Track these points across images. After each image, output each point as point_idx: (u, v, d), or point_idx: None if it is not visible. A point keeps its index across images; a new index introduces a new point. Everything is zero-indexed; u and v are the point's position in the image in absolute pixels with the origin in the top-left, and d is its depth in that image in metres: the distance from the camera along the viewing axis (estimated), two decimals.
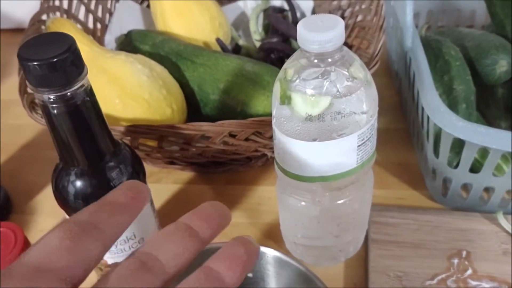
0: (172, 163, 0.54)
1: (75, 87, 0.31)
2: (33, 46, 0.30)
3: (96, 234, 0.20)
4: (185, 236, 0.21)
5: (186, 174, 0.56)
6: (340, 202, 0.40)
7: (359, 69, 0.35)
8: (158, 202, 0.52)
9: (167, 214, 0.51)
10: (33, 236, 0.50)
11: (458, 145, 0.44)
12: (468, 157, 0.43)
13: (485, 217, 0.46)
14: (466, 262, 0.43)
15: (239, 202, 0.52)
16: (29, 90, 0.46)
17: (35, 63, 0.29)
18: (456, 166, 0.45)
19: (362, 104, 0.35)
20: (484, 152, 0.44)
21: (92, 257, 0.19)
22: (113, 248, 0.39)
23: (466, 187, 0.49)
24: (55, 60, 0.29)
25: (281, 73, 0.35)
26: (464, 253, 0.44)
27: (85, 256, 0.19)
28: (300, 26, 0.33)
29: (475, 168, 0.45)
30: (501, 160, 0.45)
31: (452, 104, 0.47)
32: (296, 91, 0.34)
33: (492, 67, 0.50)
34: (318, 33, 0.32)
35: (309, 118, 0.34)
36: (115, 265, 0.38)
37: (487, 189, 0.48)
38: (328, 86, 0.33)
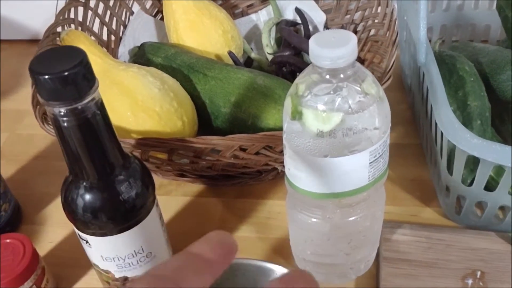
0: (182, 175, 0.54)
1: (86, 101, 0.31)
2: (45, 60, 0.30)
3: None
4: (201, 267, 0.19)
5: (196, 187, 0.55)
6: (351, 219, 0.39)
7: (371, 85, 0.34)
8: (167, 215, 0.52)
9: (176, 227, 0.50)
10: (43, 246, 0.50)
11: (473, 162, 0.43)
12: (483, 174, 0.42)
13: (500, 236, 0.45)
14: (481, 283, 0.42)
15: (248, 216, 0.52)
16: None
17: (46, 76, 0.29)
18: (471, 184, 0.44)
19: (375, 121, 0.34)
20: (499, 169, 0.43)
21: None
22: (120, 262, 0.38)
23: (480, 205, 0.48)
24: (66, 74, 0.29)
25: (292, 88, 0.35)
26: (478, 273, 0.43)
27: None
28: (312, 42, 0.32)
29: (490, 186, 0.44)
30: None
31: (467, 121, 0.47)
32: (307, 107, 0.34)
33: (507, 83, 0.50)
34: (330, 49, 0.31)
35: (320, 134, 0.34)
36: (123, 279, 0.37)
37: (503, 208, 0.47)
38: (340, 102, 0.33)
